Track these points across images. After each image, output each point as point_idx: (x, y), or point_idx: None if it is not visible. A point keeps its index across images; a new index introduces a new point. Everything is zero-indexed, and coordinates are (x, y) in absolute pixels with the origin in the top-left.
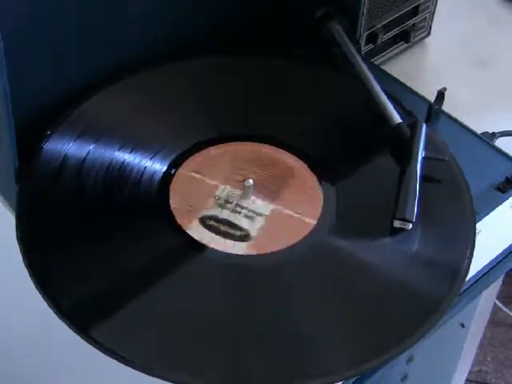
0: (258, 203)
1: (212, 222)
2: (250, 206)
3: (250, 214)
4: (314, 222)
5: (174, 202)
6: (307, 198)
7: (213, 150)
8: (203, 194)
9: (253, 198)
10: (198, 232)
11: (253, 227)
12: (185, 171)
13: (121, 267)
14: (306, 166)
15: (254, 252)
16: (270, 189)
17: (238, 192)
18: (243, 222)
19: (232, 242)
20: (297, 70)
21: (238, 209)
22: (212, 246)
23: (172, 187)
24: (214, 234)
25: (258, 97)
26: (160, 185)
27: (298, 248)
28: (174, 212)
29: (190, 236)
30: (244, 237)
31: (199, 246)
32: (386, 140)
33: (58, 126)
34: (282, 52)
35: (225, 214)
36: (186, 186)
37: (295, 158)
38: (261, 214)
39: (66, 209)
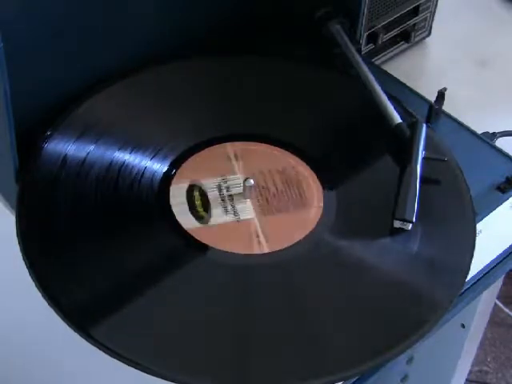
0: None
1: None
2: (238, 204)
3: (232, 211)
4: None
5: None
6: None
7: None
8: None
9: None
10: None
11: (218, 217)
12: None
13: (121, 267)
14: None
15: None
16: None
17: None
18: (216, 209)
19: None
20: (297, 70)
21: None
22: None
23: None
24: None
25: (257, 97)
26: (160, 185)
27: (299, 248)
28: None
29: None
30: (200, 218)
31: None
32: (386, 140)
33: (58, 126)
34: (281, 52)
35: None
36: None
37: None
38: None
39: (67, 209)
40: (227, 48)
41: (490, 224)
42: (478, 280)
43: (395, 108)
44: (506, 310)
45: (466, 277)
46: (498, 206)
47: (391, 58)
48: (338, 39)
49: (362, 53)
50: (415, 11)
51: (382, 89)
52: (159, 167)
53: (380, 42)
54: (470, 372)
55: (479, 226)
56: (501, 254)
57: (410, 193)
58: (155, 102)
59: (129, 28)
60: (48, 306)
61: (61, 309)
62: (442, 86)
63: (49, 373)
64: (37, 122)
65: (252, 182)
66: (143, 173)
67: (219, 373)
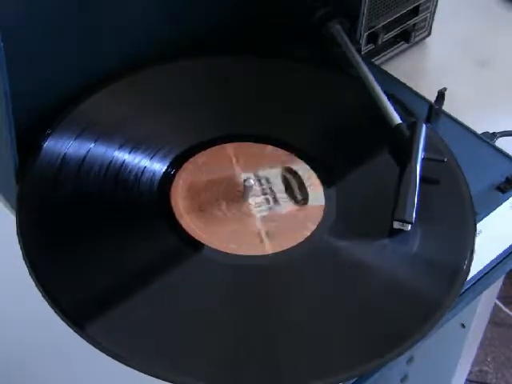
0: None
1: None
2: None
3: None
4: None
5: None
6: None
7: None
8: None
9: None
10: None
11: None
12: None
13: (121, 266)
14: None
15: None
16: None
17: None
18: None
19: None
20: (297, 70)
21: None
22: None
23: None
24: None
25: (258, 97)
26: (160, 184)
27: (299, 248)
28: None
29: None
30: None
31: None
32: (386, 140)
33: (58, 125)
34: (282, 52)
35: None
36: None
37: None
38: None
39: (66, 208)
40: (227, 48)
41: (490, 224)
42: (478, 280)
43: (395, 108)
44: (506, 310)
45: (466, 277)
46: (498, 206)
47: (391, 57)
48: (338, 39)
49: (362, 53)
50: (415, 11)
51: (381, 89)
52: (159, 167)
53: (380, 41)
54: (470, 372)
55: (479, 226)
56: (501, 254)
57: (410, 193)
58: (155, 101)
59: (129, 28)
60: (48, 306)
61: (61, 308)
62: (442, 86)
63: (49, 372)
64: (37, 121)
65: (252, 182)
66: (143, 172)
67: (218, 373)
